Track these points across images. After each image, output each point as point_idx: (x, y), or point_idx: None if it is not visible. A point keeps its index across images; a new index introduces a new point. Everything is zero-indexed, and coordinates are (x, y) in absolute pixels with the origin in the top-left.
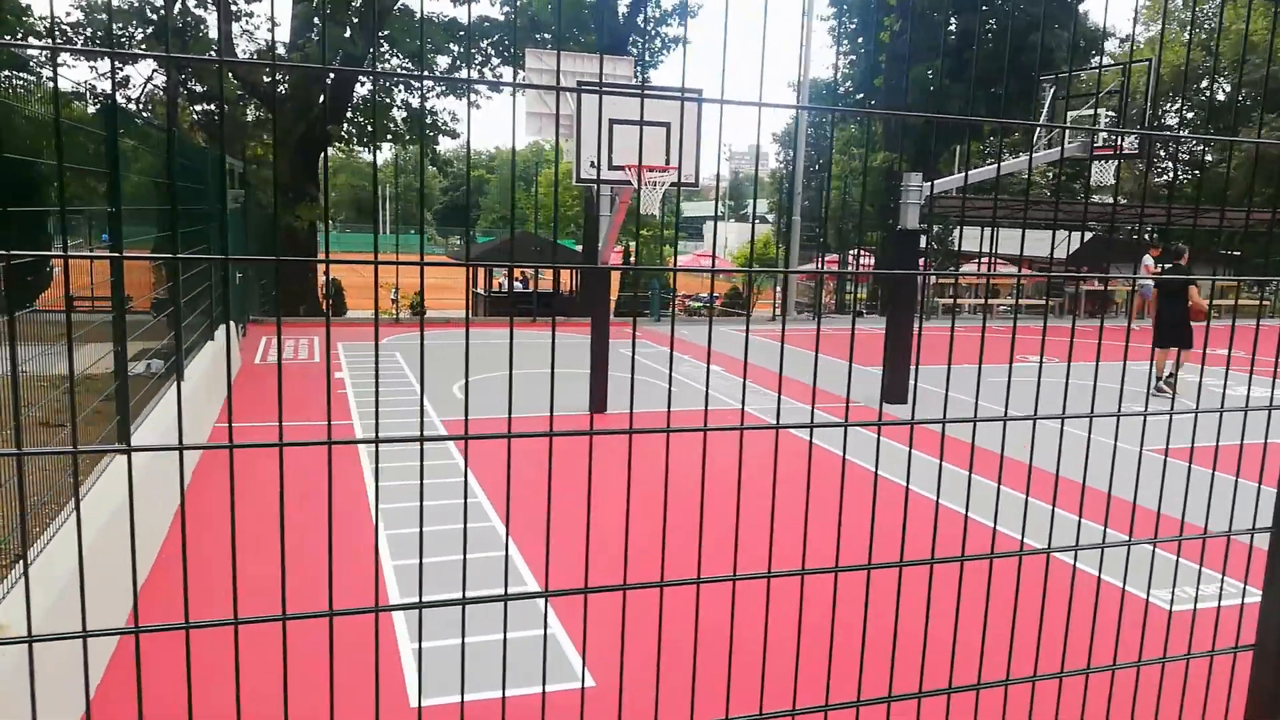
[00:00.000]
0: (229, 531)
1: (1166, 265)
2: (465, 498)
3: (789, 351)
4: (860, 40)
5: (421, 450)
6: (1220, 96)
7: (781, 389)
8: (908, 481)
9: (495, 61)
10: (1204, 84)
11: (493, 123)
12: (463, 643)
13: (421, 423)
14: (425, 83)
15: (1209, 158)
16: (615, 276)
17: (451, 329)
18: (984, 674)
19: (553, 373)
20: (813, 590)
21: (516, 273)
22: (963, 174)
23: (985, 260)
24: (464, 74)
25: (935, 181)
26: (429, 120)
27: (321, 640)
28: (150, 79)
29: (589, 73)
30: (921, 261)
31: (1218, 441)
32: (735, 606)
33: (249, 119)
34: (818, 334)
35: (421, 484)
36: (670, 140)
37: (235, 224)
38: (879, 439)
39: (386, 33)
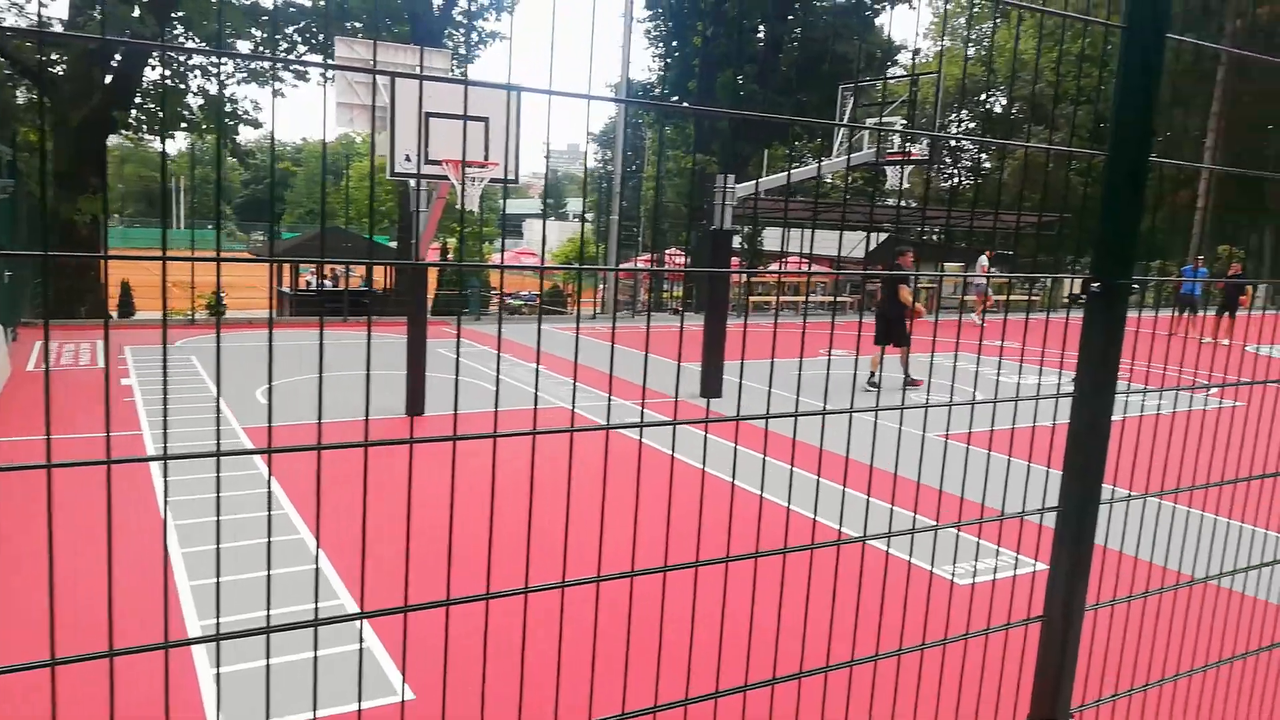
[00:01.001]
0: None
1: (893, 262)
2: (269, 510)
3: (608, 349)
4: (675, 44)
5: (218, 465)
6: (996, 109)
7: (576, 381)
8: (701, 475)
9: (302, 49)
10: (982, 96)
11: (298, 113)
12: (267, 666)
13: (218, 434)
14: (225, 69)
15: (987, 165)
16: (433, 274)
17: (254, 330)
18: (804, 662)
19: (368, 375)
20: (618, 592)
21: (325, 270)
22: (770, 176)
23: (801, 260)
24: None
25: (749, 183)
26: (229, 109)
27: (105, 676)
28: None
29: (402, 64)
30: (734, 260)
31: (1013, 425)
32: (527, 617)
33: (19, 101)
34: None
35: (218, 499)
36: (489, 135)
37: (2, 216)
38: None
39: (181, 14)
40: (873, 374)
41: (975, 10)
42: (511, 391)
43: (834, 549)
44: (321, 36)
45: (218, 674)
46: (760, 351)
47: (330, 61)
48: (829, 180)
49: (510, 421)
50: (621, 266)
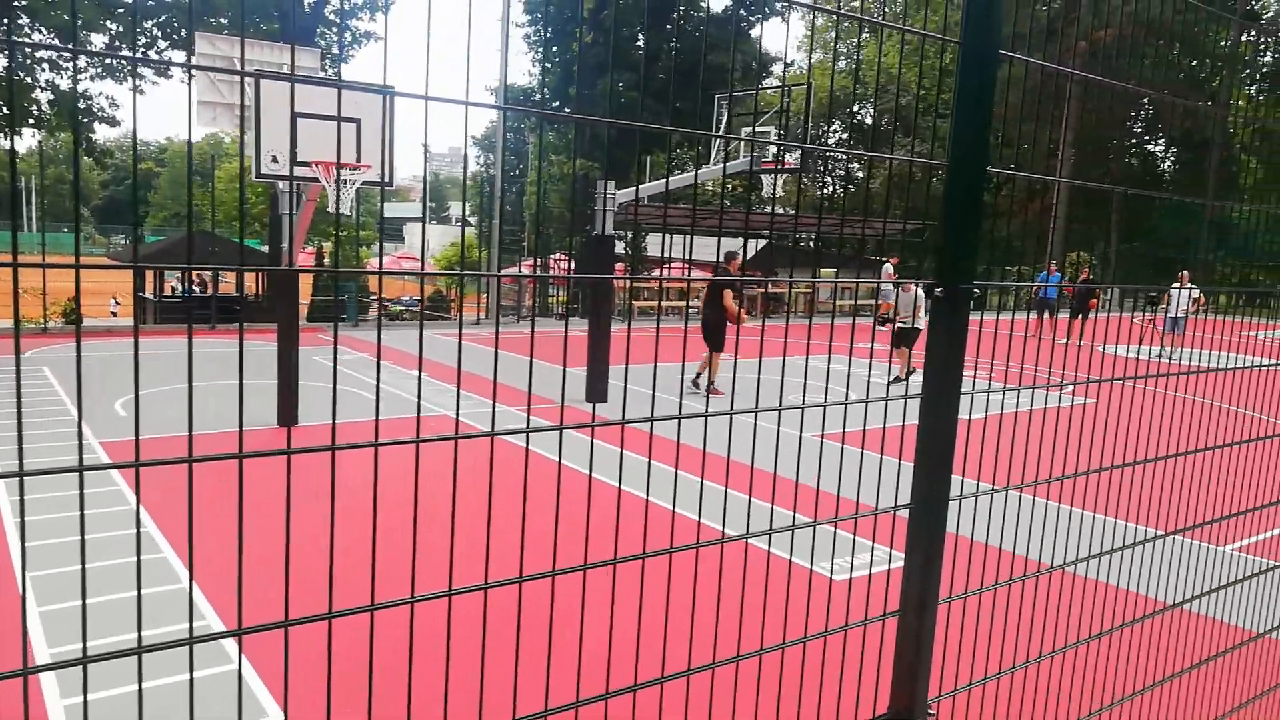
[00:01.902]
0: None
1: (721, 266)
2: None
3: (489, 354)
4: (555, 49)
5: (81, 481)
6: (867, 120)
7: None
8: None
9: (163, 45)
10: (852, 108)
11: (161, 111)
12: (84, 701)
13: (80, 447)
14: (78, 63)
15: (859, 174)
16: (306, 280)
17: (114, 339)
18: (666, 666)
19: (189, 383)
20: (500, 601)
21: (193, 276)
22: (651, 182)
23: (684, 265)
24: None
25: (629, 189)
26: (82, 105)
27: None
28: None
29: (269, 62)
30: (618, 266)
31: (883, 424)
32: (374, 635)
33: None
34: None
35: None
36: (361, 136)
37: None
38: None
39: (24, 3)
40: (698, 376)
41: (843, 25)
42: (392, 400)
43: (710, 548)
44: (183, 32)
45: (84, 703)
46: (644, 355)
47: (194, 61)
48: (709, 187)
49: (383, 431)
50: (473, 272)
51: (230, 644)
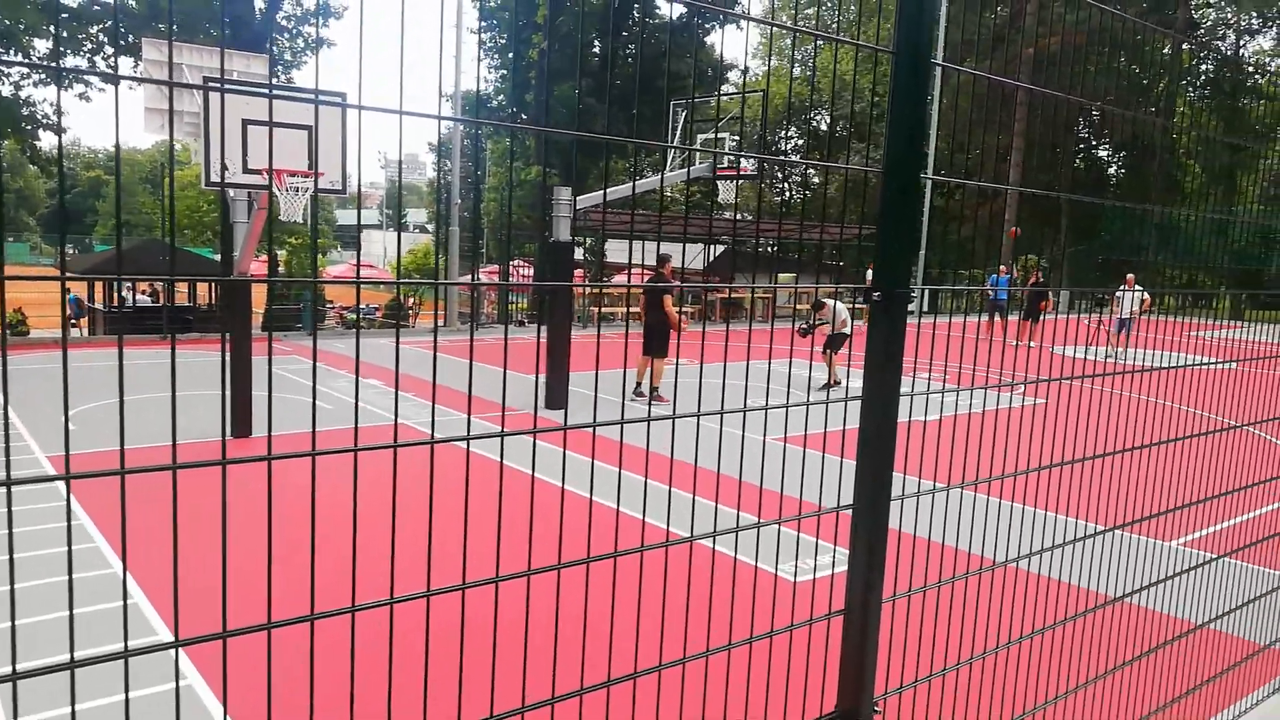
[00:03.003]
0: None
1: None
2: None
3: (453, 363)
4: (510, 56)
5: (9, 496)
6: (822, 126)
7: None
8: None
9: (109, 50)
10: (808, 115)
11: (110, 118)
12: (73, 711)
13: (7, 462)
14: (15, 70)
15: (815, 180)
16: (261, 288)
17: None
18: (615, 668)
19: (120, 395)
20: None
21: (144, 285)
22: (602, 189)
23: (644, 271)
24: (69, 62)
25: (582, 196)
26: (25, 112)
27: None
28: None
29: (216, 68)
30: (578, 272)
31: (843, 427)
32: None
33: None
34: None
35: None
36: (312, 143)
37: None
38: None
39: None
40: (639, 384)
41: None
42: (345, 409)
43: (662, 550)
44: (131, 38)
45: None
46: (610, 360)
47: (142, 66)
48: (668, 193)
49: (335, 439)
50: (413, 280)
51: (182, 657)
